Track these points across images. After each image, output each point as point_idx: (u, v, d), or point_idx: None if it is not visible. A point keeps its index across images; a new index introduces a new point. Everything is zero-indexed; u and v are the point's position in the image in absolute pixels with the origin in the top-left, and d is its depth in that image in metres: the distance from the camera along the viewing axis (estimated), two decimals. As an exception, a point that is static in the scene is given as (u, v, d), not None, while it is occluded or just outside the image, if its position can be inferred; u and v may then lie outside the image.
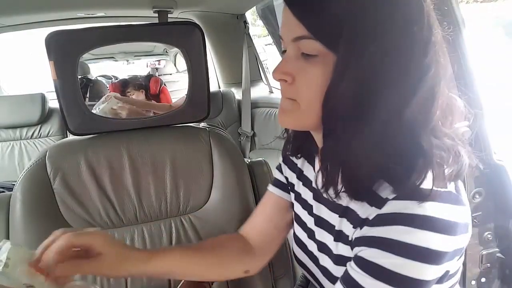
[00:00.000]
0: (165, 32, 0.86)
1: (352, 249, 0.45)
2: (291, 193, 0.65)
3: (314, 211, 0.55)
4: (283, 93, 0.46)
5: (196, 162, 0.88)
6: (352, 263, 0.43)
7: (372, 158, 0.40)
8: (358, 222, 0.44)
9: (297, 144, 0.59)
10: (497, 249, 0.73)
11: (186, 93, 0.87)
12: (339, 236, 0.48)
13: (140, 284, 0.83)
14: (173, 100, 1.32)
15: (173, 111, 0.89)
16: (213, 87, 1.94)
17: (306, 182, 0.59)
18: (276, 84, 1.97)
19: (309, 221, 0.57)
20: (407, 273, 0.38)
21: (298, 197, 0.61)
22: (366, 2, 0.37)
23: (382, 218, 0.40)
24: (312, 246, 0.57)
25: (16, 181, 0.80)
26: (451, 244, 0.39)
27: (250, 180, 0.92)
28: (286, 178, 0.66)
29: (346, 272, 0.43)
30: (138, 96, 1.36)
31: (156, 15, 1.16)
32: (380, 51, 0.37)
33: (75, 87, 0.79)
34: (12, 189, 0.80)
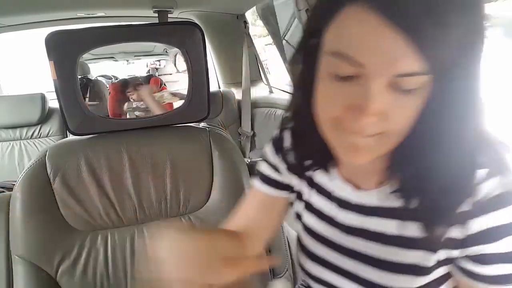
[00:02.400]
0: (165, 32, 0.86)
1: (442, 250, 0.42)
2: (298, 201, 0.58)
3: (344, 222, 0.51)
4: (367, 131, 0.37)
5: (196, 162, 0.88)
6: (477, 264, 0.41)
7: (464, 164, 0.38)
8: (439, 218, 0.41)
9: (307, 155, 0.52)
10: (497, 249, 0.73)
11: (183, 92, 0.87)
12: (400, 242, 0.45)
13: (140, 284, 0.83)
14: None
15: (173, 111, 0.89)
16: (213, 87, 1.94)
17: (322, 191, 0.53)
18: (276, 84, 1.96)
19: (334, 233, 0.52)
20: None
21: (310, 207, 0.55)
22: (477, 27, 0.34)
23: (482, 206, 0.38)
24: (340, 260, 0.51)
25: (16, 181, 0.80)
26: None
27: (250, 180, 0.92)
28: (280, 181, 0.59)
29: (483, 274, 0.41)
30: (138, 96, 1.36)
31: (156, 15, 1.16)
32: (473, 77, 0.36)
33: (75, 87, 0.79)
34: (12, 189, 0.80)
